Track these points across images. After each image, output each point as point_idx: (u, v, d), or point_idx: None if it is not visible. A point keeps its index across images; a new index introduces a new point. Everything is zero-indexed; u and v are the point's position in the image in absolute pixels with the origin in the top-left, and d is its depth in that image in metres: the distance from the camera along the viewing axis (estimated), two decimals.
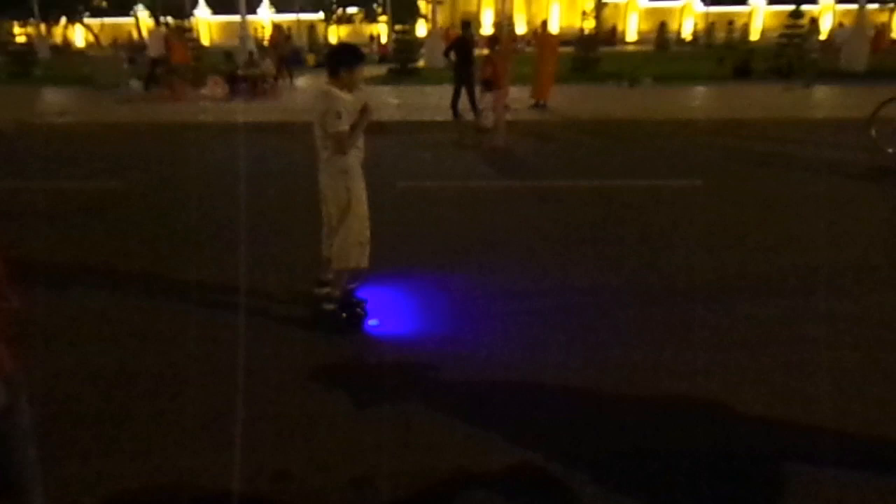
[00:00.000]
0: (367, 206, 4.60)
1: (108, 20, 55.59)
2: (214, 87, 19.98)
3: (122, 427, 3.50)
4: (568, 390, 3.85)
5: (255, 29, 54.36)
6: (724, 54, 27.16)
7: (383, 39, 40.07)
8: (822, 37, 36.18)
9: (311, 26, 25.64)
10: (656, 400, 3.74)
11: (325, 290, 4.85)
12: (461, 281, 5.49)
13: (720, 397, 3.73)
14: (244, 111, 15.86)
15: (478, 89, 13.28)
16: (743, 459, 3.20)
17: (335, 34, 58.36)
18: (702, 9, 63.47)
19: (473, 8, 66.28)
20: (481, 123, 12.59)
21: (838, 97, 18.02)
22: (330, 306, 4.75)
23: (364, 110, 4.44)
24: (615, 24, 62.39)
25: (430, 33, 29.56)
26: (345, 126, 4.30)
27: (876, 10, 44.27)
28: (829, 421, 3.47)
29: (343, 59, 4.38)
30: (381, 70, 26.28)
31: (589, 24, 25.61)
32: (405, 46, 25.45)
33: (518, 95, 16.18)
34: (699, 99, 18.96)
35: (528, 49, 16.18)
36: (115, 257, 6.17)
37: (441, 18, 50.81)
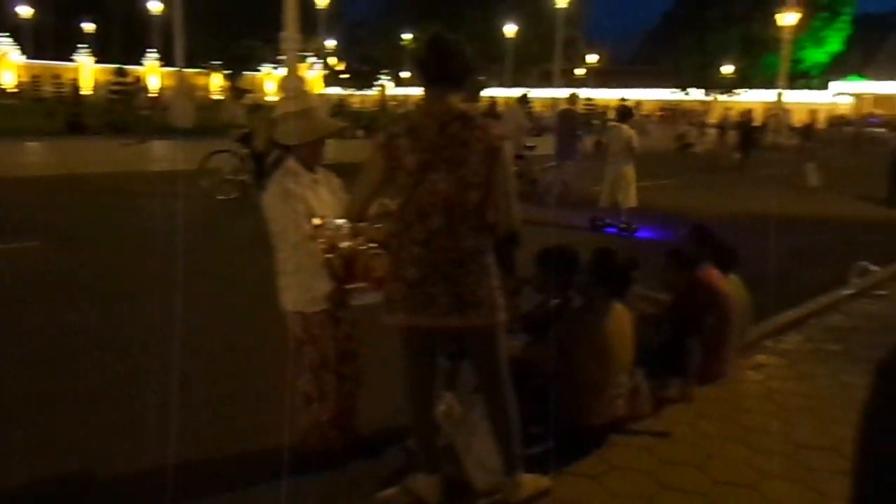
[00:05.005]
0: None
1: None
2: None
3: None
4: None
5: None
6: (56, 108, 26.10)
7: None
8: (153, 94, 38.24)
9: None
10: None
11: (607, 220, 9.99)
12: None
13: None
14: None
15: None
16: None
17: None
18: (23, 61, 59.58)
19: None
20: None
21: (171, 151, 19.34)
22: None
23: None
24: None
25: None
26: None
27: (194, 73, 48.88)
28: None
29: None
30: None
31: None
32: None
33: None
34: (31, 155, 17.84)
35: None
36: None
37: None
